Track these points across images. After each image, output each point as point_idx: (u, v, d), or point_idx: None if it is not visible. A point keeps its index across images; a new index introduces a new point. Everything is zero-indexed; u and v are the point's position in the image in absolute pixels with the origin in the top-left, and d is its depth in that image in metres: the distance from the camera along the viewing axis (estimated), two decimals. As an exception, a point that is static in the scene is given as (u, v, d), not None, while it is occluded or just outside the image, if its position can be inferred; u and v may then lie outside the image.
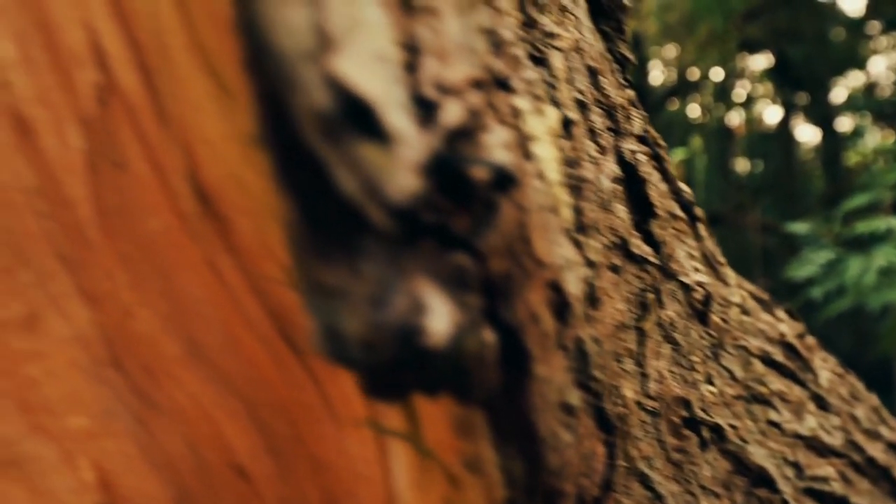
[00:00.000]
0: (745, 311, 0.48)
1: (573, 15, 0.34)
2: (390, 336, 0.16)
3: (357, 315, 0.16)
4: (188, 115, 0.21)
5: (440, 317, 0.17)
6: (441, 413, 0.22)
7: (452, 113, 0.17)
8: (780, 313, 0.58)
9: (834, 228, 1.68)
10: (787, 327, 0.54)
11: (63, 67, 0.21)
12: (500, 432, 0.21)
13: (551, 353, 0.22)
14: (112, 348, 0.23)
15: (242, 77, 0.16)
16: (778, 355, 0.51)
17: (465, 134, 0.18)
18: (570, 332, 0.24)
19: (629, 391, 0.32)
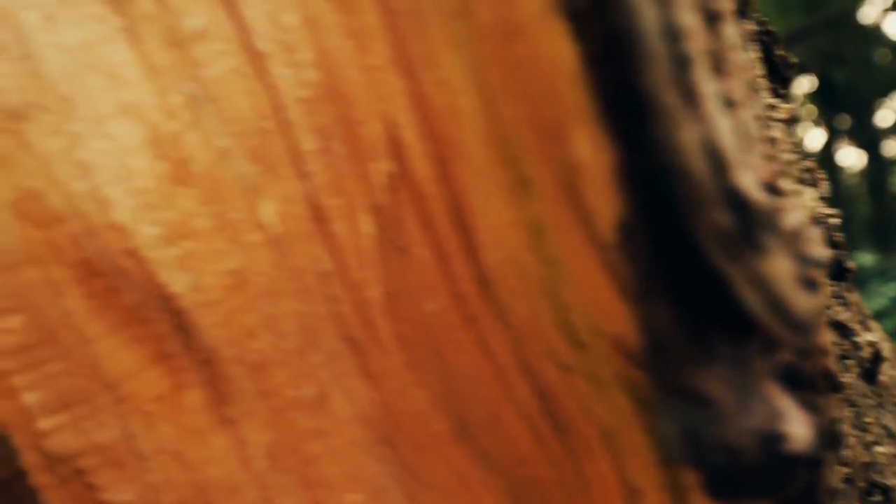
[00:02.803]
0: (893, 365, 0.47)
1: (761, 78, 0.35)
2: (754, 443, 0.16)
3: (721, 421, 0.16)
4: (476, 203, 0.22)
5: (798, 422, 0.17)
6: None
7: (793, 216, 0.18)
8: (911, 362, 0.57)
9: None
10: (925, 378, 0.53)
11: (359, 158, 0.22)
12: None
13: (830, 439, 0.22)
14: (387, 427, 0.23)
15: (611, 191, 0.17)
16: (922, 408, 0.50)
17: (798, 234, 0.18)
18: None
19: (834, 459, 0.31)
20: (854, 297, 0.46)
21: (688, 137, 0.15)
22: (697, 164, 0.15)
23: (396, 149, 0.22)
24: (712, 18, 0.19)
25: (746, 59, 0.21)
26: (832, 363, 0.23)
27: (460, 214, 0.22)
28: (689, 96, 0.15)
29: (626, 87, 0.15)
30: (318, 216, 0.22)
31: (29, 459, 0.23)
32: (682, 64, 0.15)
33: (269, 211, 0.21)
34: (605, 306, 0.21)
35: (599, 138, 0.18)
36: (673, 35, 0.15)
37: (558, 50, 0.17)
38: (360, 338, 0.23)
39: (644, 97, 0.15)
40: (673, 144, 0.15)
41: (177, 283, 0.21)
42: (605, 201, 0.18)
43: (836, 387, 0.23)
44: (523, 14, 0.18)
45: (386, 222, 0.22)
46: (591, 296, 0.22)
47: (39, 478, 0.23)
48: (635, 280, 0.17)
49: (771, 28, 0.38)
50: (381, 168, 0.22)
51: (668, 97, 0.15)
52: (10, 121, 0.20)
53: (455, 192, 0.22)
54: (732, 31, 0.21)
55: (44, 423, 0.22)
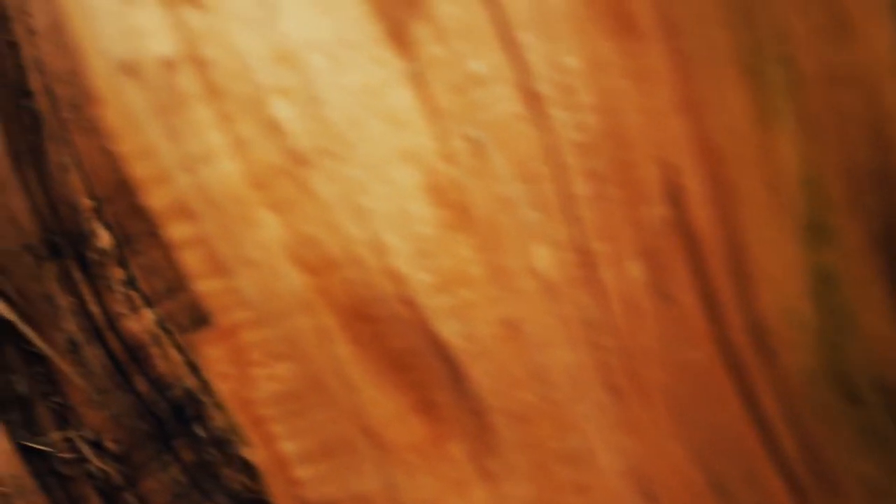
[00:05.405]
0: None
1: None
2: None
3: None
4: (756, 249, 0.21)
5: None
6: None
7: None
8: None
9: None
10: None
11: (632, 202, 0.21)
12: None
13: None
14: (647, 480, 0.22)
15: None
16: None
17: None
18: None
19: None
20: None
21: None
22: None
23: (674, 193, 0.21)
24: None
25: None
26: None
27: (737, 260, 0.21)
28: None
29: None
30: (587, 261, 0.21)
31: (281, 507, 0.22)
32: None
33: (542, 257, 0.21)
34: (899, 361, 0.20)
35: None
36: None
37: (908, 98, 0.16)
38: (623, 387, 0.22)
39: None
40: None
41: (450, 331, 0.21)
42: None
43: None
44: (863, 60, 0.17)
45: (654, 268, 0.21)
46: (882, 350, 0.21)
47: (292, 526, 0.22)
48: None
49: None
50: (655, 212, 0.21)
51: None
52: (296, 165, 0.20)
53: (733, 238, 0.21)
54: None
55: (301, 472, 0.22)
